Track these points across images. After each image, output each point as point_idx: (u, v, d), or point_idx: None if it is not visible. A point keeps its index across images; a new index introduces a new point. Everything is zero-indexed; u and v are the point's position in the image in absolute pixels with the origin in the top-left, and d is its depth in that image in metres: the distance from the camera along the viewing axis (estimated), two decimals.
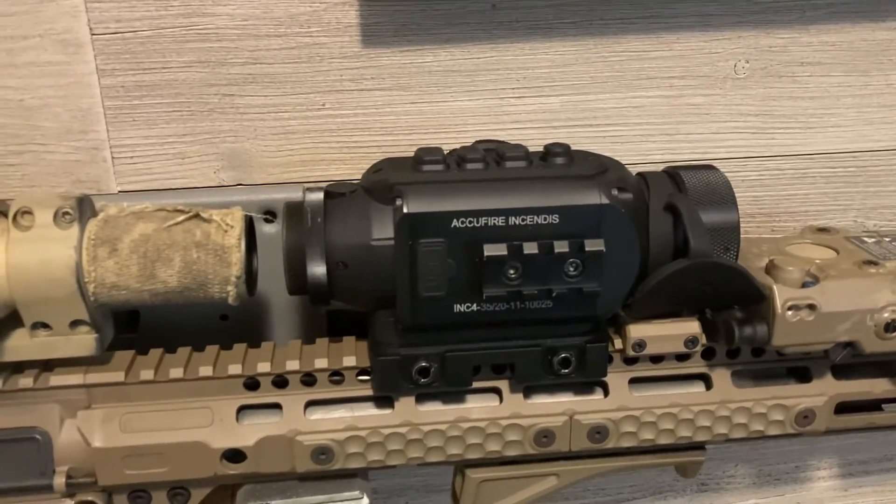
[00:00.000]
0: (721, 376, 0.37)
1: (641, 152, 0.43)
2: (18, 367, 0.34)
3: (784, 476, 0.53)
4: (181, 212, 0.33)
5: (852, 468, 0.53)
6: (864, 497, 0.54)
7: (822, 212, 0.46)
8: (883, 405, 0.39)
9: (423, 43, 0.40)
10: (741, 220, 0.44)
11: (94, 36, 0.39)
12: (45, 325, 0.33)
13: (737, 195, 0.44)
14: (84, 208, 0.33)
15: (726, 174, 0.44)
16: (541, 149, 0.35)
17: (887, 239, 0.39)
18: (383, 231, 0.32)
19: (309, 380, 0.36)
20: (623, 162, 0.37)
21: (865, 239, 0.39)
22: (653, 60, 0.42)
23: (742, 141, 0.44)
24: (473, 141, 0.37)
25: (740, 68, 0.43)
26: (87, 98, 0.40)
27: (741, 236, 0.37)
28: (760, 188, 0.45)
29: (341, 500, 0.36)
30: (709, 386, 0.37)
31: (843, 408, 0.38)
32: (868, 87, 0.44)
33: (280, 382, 0.35)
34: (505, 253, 0.32)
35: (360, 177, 0.35)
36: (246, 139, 0.41)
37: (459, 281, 0.32)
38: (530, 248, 0.32)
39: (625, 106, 0.43)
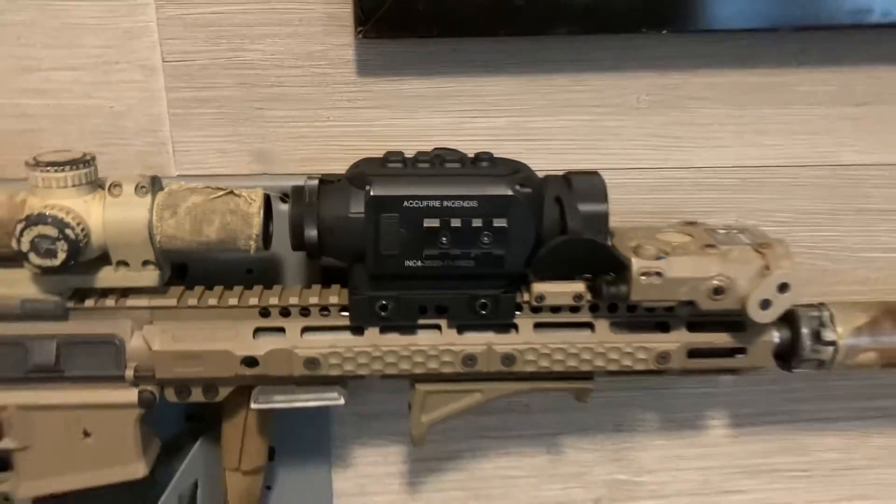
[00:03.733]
0: (602, 325, 0.51)
1: (568, 162, 0.57)
2: (104, 293, 0.49)
3: (686, 423, 0.66)
4: (221, 189, 0.47)
5: (741, 419, 0.66)
6: (751, 444, 0.66)
7: (709, 212, 0.59)
8: (735, 353, 0.53)
9: (402, 74, 0.55)
10: (645, 217, 0.58)
11: (165, 63, 0.54)
12: (125, 263, 0.48)
13: (641, 197, 0.58)
14: (155, 184, 0.48)
15: (635, 181, 0.58)
16: (474, 155, 0.49)
17: (735, 231, 0.52)
18: (358, 207, 0.46)
19: (305, 312, 0.50)
20: (553, 169, 0.51)
21: (720, 231, 0.52)
22: (577, 93, 0.56)
23: (646, 155, 0.58)
24: (434, 147, 0.51)
25: (642, 100, 0.56)
26: (158, 107, 0.55)
27: (631, 227, 0.51)
28: (661, 192, 0.58)
29: (325, 399, 0.51)
30: (593, 331, 0.51)
31: (696, 353, 0.52)
32: (744, 118, 0.57)
33: (285, 312, 0.50)
34: (438, 225, 0.46)
35: None
36: (270, 141, 0.56)
37: (408, 244, 0.46)
38: (456, 223, 0.46)
39: (555, 126, 0.57)
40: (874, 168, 0.59)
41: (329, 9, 0.53)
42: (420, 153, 0.49)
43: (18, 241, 0.45)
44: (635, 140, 0.57)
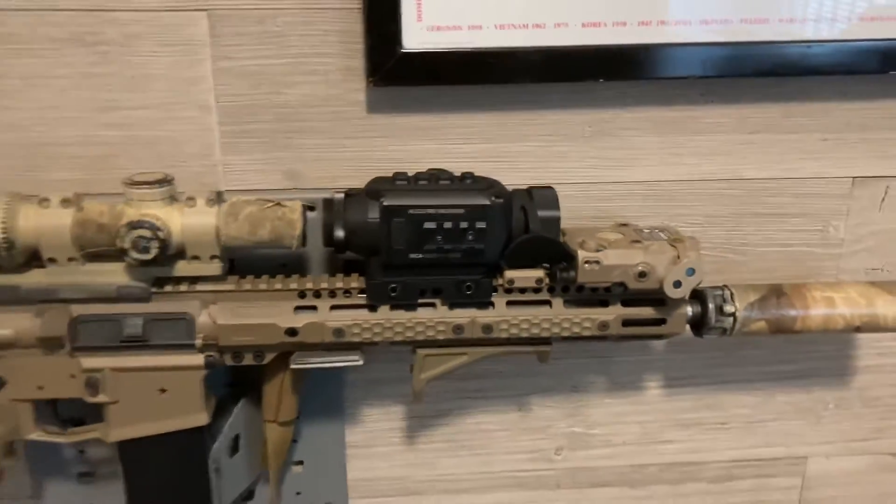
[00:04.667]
0: (557, 302, 0.67)
1: (529, 178, 0.72)
2: (178, 280, 0.65)
3: (628, 385, 0.82)
4: (270, 201, 0.63)
5: (672, 382, 0.82)
6: (680, 402, 0.83)
7: (640, 216, 0.75)
8: (658, 323, 0.69)
9: (403, 112, 0.70)
10: (589, 220, 0.74)
11: (218, 103, 0.69)
12: (197, 258, 0.63)
13: (586, 205, 0.74)
14: (220, 197, 0.63)
15: (581, 193, 0.74)
16: (460, 174, 0.65)
17: (657, 230, 0.68)
18: (374, 214, 0.62)
19: (332, 294, 0.65)
20: (518, 183, 0.67)
21: (646, 230, 0.68)
22: (536, 126, 0.72)
23: (590, 172, 0.74)
24: (428, 168, 0.67)
25: (586, 131, 0.73)
26: (211, 138, 0.70)
27: (579, 227, 0.68)
28: (601, 201, 0.74)
29: (348, 360, 0.66)
30: (551, 307, 0.67)
31: (629, 323, 0.68)
32: (665, 143, 0.74)
33: (317, 294, 0.65)
34: (435, 227, 0.62)
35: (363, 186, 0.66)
36: (299, 163, 0.71)
37: (412, 241, 0.62)
38: (448, 224, 0.61)
39: (519, 151, 0.73)
40: (766, 181, 0.76)
41: (346, 62, 0.69)
42: (420, 173, 0.64)
43: (122, 240, 0.60)
44: (581, 161, 0.74)
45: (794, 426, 0.85)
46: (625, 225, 0.70)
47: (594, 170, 0.74)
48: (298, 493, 0.81)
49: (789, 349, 0.82)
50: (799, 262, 0.79)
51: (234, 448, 0.74)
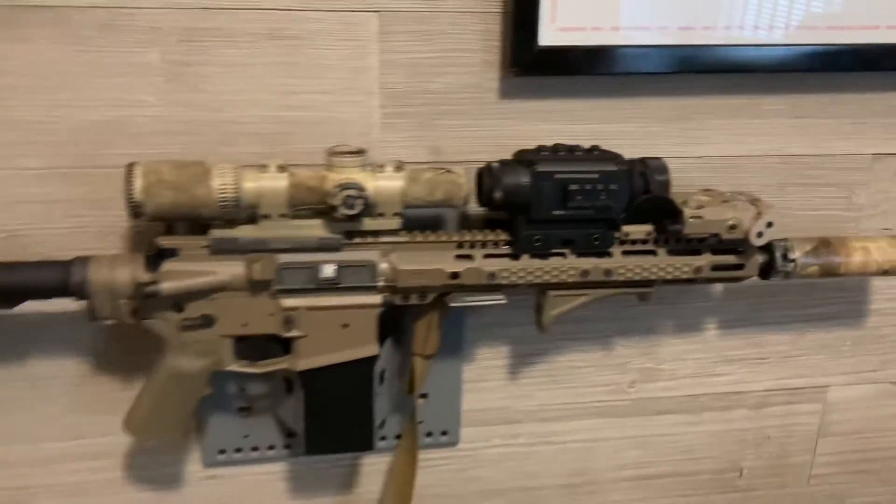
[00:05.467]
0: (662, 251, 0.83)
1: (627, 154, 0.89)
2: (364, 234, 0.78)
3: (689, 327, 0.99)
4: (443, 169, 0.77)
5: (723, 324, 0.99)
6: (729, 340, 1.00)
7: (715, 184, 0.91)
8: (738, 268, 0.86)
9: (530, 98, 0.86)
10: (677, 184, 0.91)
11: (381, 90, 0.83)
12: (382, 215, 0.77)
13: (674, 175, 0.90)
14: (402, 165, 0.77)
15: (668, 163, 0.90)
16: (588, 146, 0.80)
17: (737, 194, 0.85)
18: (526, 178, 0.77)
19: (484, 244, 0.80)
20: (627, 154, 0.82)
21: (727, 193, 0.86)
22: (632, 110, 0.88)
23: (674, 148, 0.89)
24: (554, 143, 0.82)
25: (672, 115, 0.89)
26: (373, 118, 0.84)
27: (676, 190, 0.84)
28: (682, 172, 0.89)
29: (495, 299, 0.81)
30: (656, 255, 0.83)
31: (717, 268, 0.85)
32: (731, 126, 0.91)
33: (472, 245, 0.80)
34: (577, 188, 0.77)
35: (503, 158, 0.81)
36: (441, 140, 0.86)
37: (557, 200, 0.77)
38: (587, 186, 0.77)
39: (619, 131, 0.88)
40: (806, 157, 0.94)
41: (484, 56, 0.83)
42: (557, 145, 0.80)
43: (334, 199, 0.74)
44: (667, 139, 0.90)
45: (818, 360, 1.03)
46: (708, 190, 0.87)
47: (677, 146, 0.90)
48: (421, 422, 0.95)
49: (817, 295, 1.00)
50: (828, 223, 0.97)
51: (381, 380, 0.88)
